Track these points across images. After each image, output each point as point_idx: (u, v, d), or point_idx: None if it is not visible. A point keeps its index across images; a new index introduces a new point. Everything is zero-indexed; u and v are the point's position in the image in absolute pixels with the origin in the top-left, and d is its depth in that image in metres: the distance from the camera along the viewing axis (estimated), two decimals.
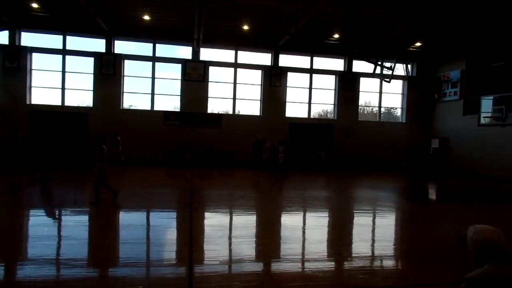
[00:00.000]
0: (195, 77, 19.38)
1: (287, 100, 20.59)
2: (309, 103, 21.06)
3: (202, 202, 9.85)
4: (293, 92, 20.85)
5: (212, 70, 20.01)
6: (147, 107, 19.35)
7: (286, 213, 9.10)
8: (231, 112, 20.36)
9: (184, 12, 17.31)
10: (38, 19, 17.38)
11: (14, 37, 17.74)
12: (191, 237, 6.29)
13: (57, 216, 8.13)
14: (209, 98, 19.89)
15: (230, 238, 6.70)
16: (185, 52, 19.90)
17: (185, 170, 16.87)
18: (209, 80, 19.81)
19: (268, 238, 6.60)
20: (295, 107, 21.00)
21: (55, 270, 4.79)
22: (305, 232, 7.36)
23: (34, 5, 16.28)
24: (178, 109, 19.65)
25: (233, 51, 20.03)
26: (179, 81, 19.53)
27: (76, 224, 7.49)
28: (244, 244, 6.07)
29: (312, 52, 20.64)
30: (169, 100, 19.94)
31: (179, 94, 19.59)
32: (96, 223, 7.66)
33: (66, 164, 16.25)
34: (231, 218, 8.51)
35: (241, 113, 20.64)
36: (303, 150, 20.35)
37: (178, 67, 19.47)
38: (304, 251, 5.99)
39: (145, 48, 19.55)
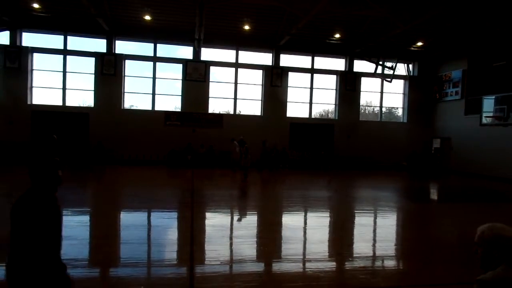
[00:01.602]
0: (196, 77, 19.38)
1: (288, 100, 20.58)
2: (310, 103, 21.04)
3: (203, 202, 9.84)
4: (294, 92, 20.85)
5: (213, 70, 20.01)
6: (148, 107, 19.36)
7: (287, 213, 9.09)
8: (232, 112, 20.36)
9: (185, 12, 17.30)
10: (39, 19, 17.37)
11: (15, 37, 17.75)
12: (192, 237, 6.29)
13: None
14: (210, 98, 19.89)
15: (231, 238, 6.68)
16: (186, 52, 19.92)
17: (186, 170, 16.86)
18: (210, 80, 19.81)
19: (269, 238, 6.58)
20: (296, 107, 21.00)
21: None
22: (306, 232, 7.34)
23: (35, 5, 16.28)
24: (179, 109, 19.66)
25: (234, 51, 20.03)
26: (180, 81, 19.54)
27: (77, 224, 7.48)
28: (245, 244, 6.05)
29: (313, 51, 20.63)
30: (170, 100, 19.96)
31: (180, 94, 19.59)
32: (97, 223, 7.65)
33: (67, 165, 16.23)
34: (232, 218, 8.50)
35: (242, 113, 20.64)
36: (304, 150, 20.33)
37: (179, 67, 19.47)
38: (305, 251, 5.97)
39: (146, 48, 19.57)
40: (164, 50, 19.76)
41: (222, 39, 19.27)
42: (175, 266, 5.09)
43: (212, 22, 17.46)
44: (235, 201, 10.30)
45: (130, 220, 8.07)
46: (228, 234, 7.01)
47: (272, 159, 18.92)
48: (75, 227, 7.20)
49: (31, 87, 18.21)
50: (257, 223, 8.13)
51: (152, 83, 19.32)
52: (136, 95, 19.59)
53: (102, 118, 18.33)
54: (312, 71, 20.87)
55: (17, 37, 17.83)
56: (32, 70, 18.19)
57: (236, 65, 20.12)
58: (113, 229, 7.25)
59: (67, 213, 8.34)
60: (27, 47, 17.96)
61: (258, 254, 5.73)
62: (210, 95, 19.87)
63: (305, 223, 8.32)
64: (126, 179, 14.36)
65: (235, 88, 20.20)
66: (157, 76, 19.37)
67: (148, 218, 8.27)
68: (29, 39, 18.26)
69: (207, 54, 20.04)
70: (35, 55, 18.26)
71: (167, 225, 7.56)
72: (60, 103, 18.47)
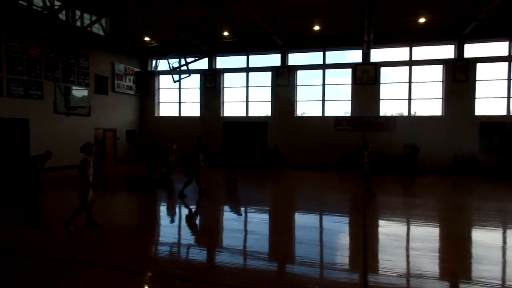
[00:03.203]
0: (365, 80, 18.90)
1: (476, 96, 17.59)
2: (508, 97, 17.35)
3: (376, 209, 9.47)
4: (485, 86, 17.64)
5: (383, 71, 19.07)
6: (319, 113, 20.03)
7: (478, 227, 7.77)
8: (406, 114, 18.88)
9: (352, 16, 17.19)
10: (227, 45, 20.62)
11: (211, 62, 21.62)
12: (365, 244, 6.16)
13: (243, 213, 9.33)
14: (381, 101, 19.01)
15: (407, 249, 6.21)
16: (354, 56, 19.73)
17: (356, 175, 16.55)
18: (381, 81, 18.95)
19: (454, 255, 5.80)
20: (489, 103, 17.68)
21: (243, 260, 5.53)
22: (505, 252, 6.10)
23: (225, 33, 19.37)
24: (349, 114, 19.57)
25: (407, 48, 18.56)
26: (349, 86, 19.44)
27: (259, 221, 8.45)
28: (424, 258, 5.51)
29: (510, 36, 17.00)
30: (340, 105, 20.08)
31: (350, 98, 19.48)
32: (275, 222, 8.42)
33: (249, 168, 18.42)
34: (408, 228, 7.88)
35: (417, 114, 18.86)
36: (499, 154, 16.85)
37: (347, 71, 19.42)
38: (504, 276, 4.98)
39: (315, 57, 20.34)
40: (333, 56, 20.11)
41: (393, 37, 18.21)
42: (347, 271, 5.10)
43: (382, 21, 16.73)
44: (412, 210, 9.48)
45: (304, 221, 8.52)
46: (404, 245, 6.54)
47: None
48: (258, 223, 8.15)
49: (223, 102, 21.70)
50: (439, 236, 7.26)
51: (322, 90, 19.92)
52: (307, 103, 20.59)
53: (278, 125, 20.13)
54: (511, 58, 17.21)
55: (213, 62, 21.63)
56: (223, 88, 21.68)
57: (410, 62, 18.56)
58: (289, 228, 7.83)
59: (251, 211, 9.51)
60: (220, 69, 21.55)
61: (440, 271, 5.14)
62: (381, 97, 18.99)
63: (504, 241, 6.92)
64: (300, 182, 15.21)
65: (409, 87, 18.65)
66: (326, 82, 19.86)
67: (320, 221, 8.56)
68: (221, 62, 21.87)
69: (377, 55, 19.28)
70: (225, 75, 21.69)
71: (338, 229, 7.64)
72: (244, 114, 21.29)
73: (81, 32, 17.31)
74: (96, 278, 4.60)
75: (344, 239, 6.97)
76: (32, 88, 15.62)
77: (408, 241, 6.83)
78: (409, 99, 18.70)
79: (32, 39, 15.46)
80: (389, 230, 7.57)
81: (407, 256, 5.80)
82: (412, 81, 18.58)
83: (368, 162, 11.39)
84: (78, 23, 17.01)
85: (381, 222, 8.20)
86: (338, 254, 5.95)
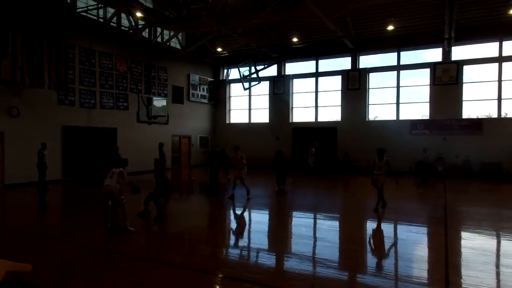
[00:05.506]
0: (446, 80, 17.48)
1: None
2: None
3: (459, 220, 8.66)
4: None
5: (467, 69, 17.45)
6: (393, 117, 19.01)
7: None
8: (495, 116, 17.00)
9: (430, 12, 16.10)
10: (296, 50, 20.63)
11: (280, 68, 21.85)
12: (446, 257, 5.68)
13: (312, 219, 9.21)
14: (464, 102, 17.40)
15: (497, 266, 5.57)
16: (432, 55, 18.41)
17: (436, 182, 15.31)
18: (464, 81, 17.36)
19: None
20: None
21: (312, 266, 5.47)
22: None
23: (295, 40, 19.43)
24: (426, 117, 18.25)
25: (496, 43, 16.75)
26: (427, 87, 18.15)
27: (329, 228, 8.28)
28: None
29: None
30: (416, 107, 18.83)
31: (427, 100, 18.17)
32: (346, 230, 8.17)
33: (319, 173, 18.11)
34: (498, 243, 7.08)
35: (509, 115, 16.86)
36: None
37: (425, 72, 18.16)
38: None
39: (388, 58, 19.38)
40: (408, 56, 18.97)
41: (478, 32, 16.61)
42: (425, 285, 4.75)
43: (465, 15, 15.40)
44: (503, 222, 8.48)
45: (376, 230, 8.13)
46: (493, 260, 5.88)
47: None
48: (327, 230, 7.99)
49: (292, 108, 21.74)
50: None
51: (396, 92, 18.89)
52: (379, 106, 19.69)
53: (348, 130, 19.52)
54: None
55: (282, 68, 21.85)
56: (292, 93, 21.75)
57: (500, 59, 16.71)
58: (360, 236, 7.53)
59: (320, 217, 9.35)
60: (289, 75, 21.69)
61: None
62: (464, 98, 17.39)
63: None
64: (372, 188, 14.50)
65: (499, 86, 16.78)
66: (401, 84, 18.80)
67: (394, 230, 8.09)
68: (289, 68, 22.01)
69: (459, 52, 17.73)
70: (294, 80, 21.74)
71: (415, 240, 7.14)
72: (313, 120, 21.07)
73: (160, 47, 18.78)
74: (169, 276, 4.91)
75: (422, 251, 6.49)
76: (120, 100, 17.35)
77: (498, 257, 6.14)
78: (499, 99, 16.83)
79: (120, 56, 17.20)
80: (474, 243, 6.86)
81: (497, 274, 5.21)
82: (503, 79, 16.71)
83: (382, 174, 9.33)
84: (159, 39, 18.47)
85: (464, 235, 7.49)
86: (415, 266, 5.56)
